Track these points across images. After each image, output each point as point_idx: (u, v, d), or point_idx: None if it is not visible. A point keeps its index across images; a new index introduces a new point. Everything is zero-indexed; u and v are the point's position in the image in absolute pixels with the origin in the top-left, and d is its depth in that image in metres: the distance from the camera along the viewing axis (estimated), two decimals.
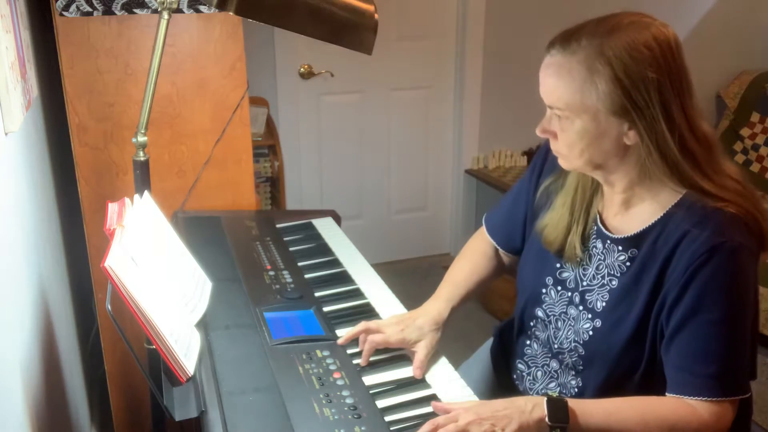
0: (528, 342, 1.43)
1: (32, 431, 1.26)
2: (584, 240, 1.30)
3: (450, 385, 1.27)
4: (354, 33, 1.43)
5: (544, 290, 1.36)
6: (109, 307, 1.13)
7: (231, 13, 1.37)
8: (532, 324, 1.40)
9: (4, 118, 1.29)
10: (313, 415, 1.12)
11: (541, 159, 1.42)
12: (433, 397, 1.22)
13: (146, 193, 1.48)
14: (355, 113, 3.53)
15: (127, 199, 1.36)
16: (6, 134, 1.31)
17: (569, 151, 1.20)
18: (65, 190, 2.07)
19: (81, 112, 1.82)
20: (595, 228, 1.30)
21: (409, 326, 1.33)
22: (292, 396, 1.16)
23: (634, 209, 1.25)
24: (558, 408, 1.11)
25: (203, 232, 1.79)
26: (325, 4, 1.40)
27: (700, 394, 1.14)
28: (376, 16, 1.43)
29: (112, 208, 1.34)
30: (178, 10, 1.83)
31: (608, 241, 1.27)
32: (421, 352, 1.31)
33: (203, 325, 1.36)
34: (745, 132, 3.75)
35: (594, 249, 1.29)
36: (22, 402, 1.21)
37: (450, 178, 3.80)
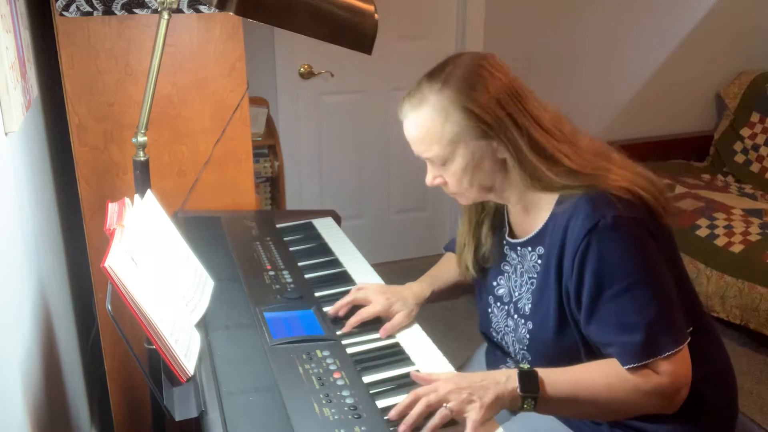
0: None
1: (32, 431, 1.26)
2: (484, 260, 1.43)
3: None
4: (354, 33, 1.44)
5: (489, 310, 1.45)
6: (109, 307, 1.13)
7: (231, 13, 1.37)
8: (492, 347, 1.49)
9: (4, 118, 1.29)
10: (313, 415, 1.12)
11: None
12: None
13: (149, 192, 1.48)
14: (355, 113, 3.52)
15: (127, 199, 1.36)
16: (6, 134, 1.31)
17: (460, 186, 1.32)
18: (65, 190, 2.07)
19: (81, 112, 1.82)
20: (505, 241, 1.40)
21: (396, 298, 1.47)
22: (292, 396, 1.16)
23: (532, 213, 1.34)
24: (529, 379, 1.19)
25: (203, 232, 1.79)
26: (325, 4, 1.40)
27: (631, 362, 1.19)
28: (376, 16, 1.43)
29: (112, 208, 1.34)
30: (178, 10, 1.83)
31: (518, 247, 1.37)
32: (397, 318, 1.43)
33: (203, 325, 1.36)
34: (745, 132, 3.74)
35: (513, 260, 1.39)
36: (22, 402, 1.22)
37: None
